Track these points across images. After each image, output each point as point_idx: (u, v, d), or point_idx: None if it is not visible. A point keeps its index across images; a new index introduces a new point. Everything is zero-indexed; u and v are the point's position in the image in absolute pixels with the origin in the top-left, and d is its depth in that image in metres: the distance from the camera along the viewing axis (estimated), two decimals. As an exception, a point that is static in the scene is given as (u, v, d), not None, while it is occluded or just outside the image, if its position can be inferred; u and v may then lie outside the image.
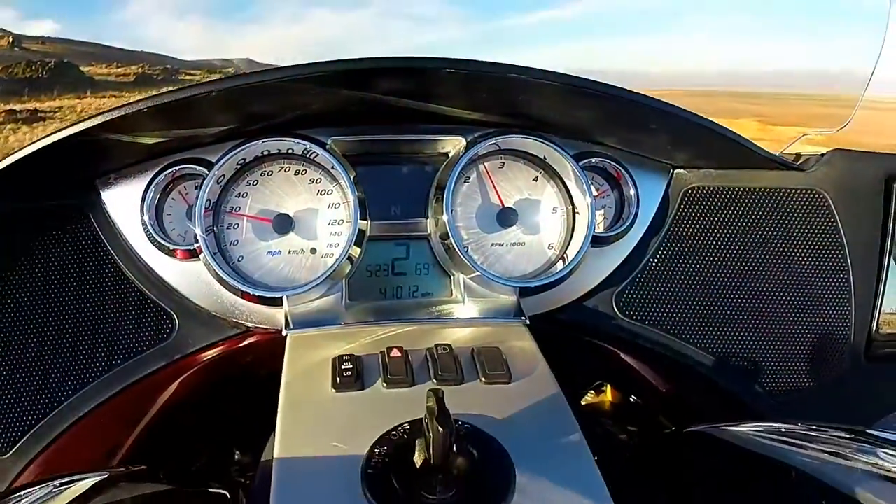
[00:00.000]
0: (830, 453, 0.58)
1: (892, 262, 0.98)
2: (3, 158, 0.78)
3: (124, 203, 0.83)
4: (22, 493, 0.53)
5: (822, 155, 0.95)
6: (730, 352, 0.90)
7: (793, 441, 0.61)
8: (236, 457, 0.94)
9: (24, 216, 0.81)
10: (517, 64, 0.73)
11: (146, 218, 0.82)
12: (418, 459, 0.52)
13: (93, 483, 0.57)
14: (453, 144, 0.85)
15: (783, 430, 0.63)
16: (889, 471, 0.53)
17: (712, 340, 0.91)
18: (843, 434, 0.60)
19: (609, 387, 1.05)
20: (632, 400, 1.01)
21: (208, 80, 0.74)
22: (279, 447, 0.56)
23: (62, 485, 0.55)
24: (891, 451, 0.56)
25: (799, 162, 0.95)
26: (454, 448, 0.51)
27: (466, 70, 0.72)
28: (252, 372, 0.87)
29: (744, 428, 0.66)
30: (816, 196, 0.93)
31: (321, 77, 0.71)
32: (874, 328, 0.96)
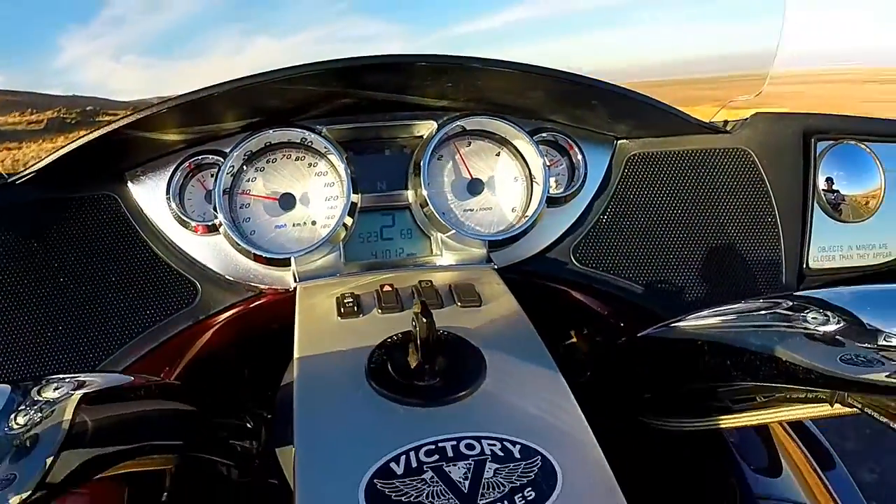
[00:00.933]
0: (763, 320, 0.73)
1: (815, 205, 1.18)
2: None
3: (150, 190, 1.02)
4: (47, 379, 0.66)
5: (746, 119, 1.16)
6: (673, 289, 1.10)
7: (730, 320, 0.77)
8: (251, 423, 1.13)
9: (64, 204, 0.99)
10: (476, 56, 0.94)
11: (173, 204, 1.01)
12: (410, 356, 0.71)
13: (124, 383, 0.73)
14: (427, 128, 1.05)
15: (725, 310, 0.79)
16: (807, 328, 0.67)
17: (657, 280, 1.10)
18: (774, 301, 0.74)
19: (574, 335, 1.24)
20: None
21: (220, 82, 0.94)
22: (297, 362, 0.75)
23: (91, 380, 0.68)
24: (810, 310, 0.69)
25: (727, 126, 1.16)
26: (438, 347, 0.71)
27: (433, 62, 0.93)
28: (265, 327, 1.07)
29: (687, 322, 0.82)
30: (742, 154, 1.14)
31: (313, 75, 0.91)
32: (804, 264, 1.16)
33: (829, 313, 0.68)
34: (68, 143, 0.96)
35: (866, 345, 0.63)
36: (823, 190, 1.18)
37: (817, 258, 1.18)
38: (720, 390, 0.78)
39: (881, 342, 0.63)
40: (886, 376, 0.61)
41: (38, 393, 0.62)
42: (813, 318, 0.68)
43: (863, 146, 1.20)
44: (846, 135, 1.20)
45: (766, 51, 1.18)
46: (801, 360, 0.66)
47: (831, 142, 1.19)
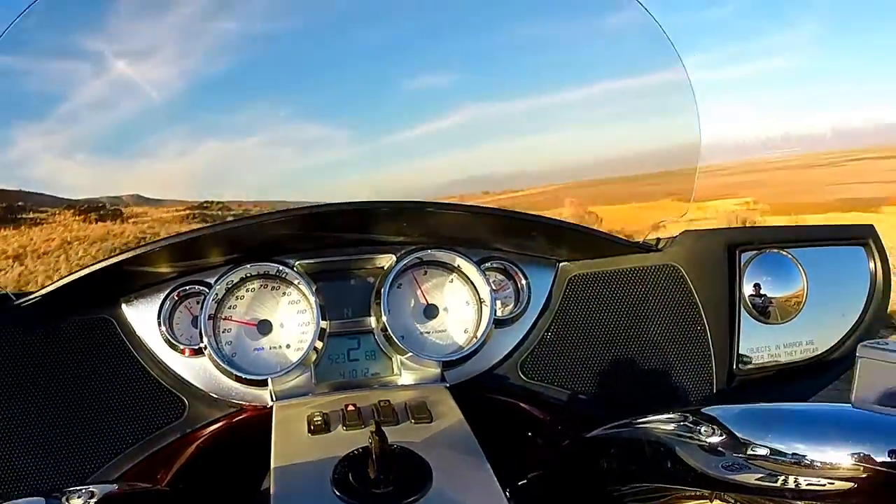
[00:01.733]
0: (671, 431, 0.89)
1: (742, 311, 1.35)
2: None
3: (143, 315, 1.20)
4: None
5: (675, 237, 1.35)
6: (614, 396, 1.27)
7: (648, 429, 0.93)
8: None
9: (65, 326, 1.16)
10: (427, 200, 1.14)
11: (163, 328, 1.19)
12: (369, 468, 0.88)
13: (113, 491, 0.88)
14: (387, 260, 1.24)
15: (646, 420, 0.95)
16: (700, 440, 0.84)
17: (599, 389, 1.27)
18: (683, 414, 0.91)
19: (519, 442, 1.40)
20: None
21: (206, 225, 1.14)
22: (274, 472, 0.91)
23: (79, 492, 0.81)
24: (703, 425, 0.86)
25: (659, 244, 1.35)
26: (392, 459, 0.88)
27: (392, 207, 1.13)
28: (247, 439, 1.22)
29: (618, 429, 0.98)
30: (672, 269, 1.32)
31: (288, 220, 1.12)
32: (734, 366, 1.33)
33: (715, 428, 0.86)
34: (71, 273, 1.15)
35: (738, 454, 0.81)
36: (751, 295, 1.36)
37: (747, 359, 1.35)
38: (632, 488, 0.95)
39: (749, 452, 0.80)
40: (756, 479, 0.79)
41: (67, 502, 0.78)
42: (705, 431, 0.86)
43: (784, 253, 1.39)
44: (768, 244, 1.39)
45: (691, 145, 1.39)
46: (693, 465, 0.84)
47: (755, 251, 1.38)
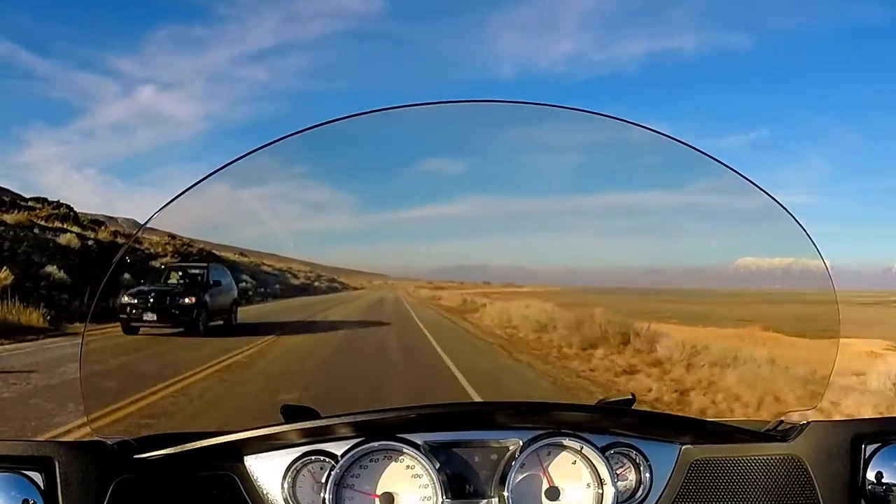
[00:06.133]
0: None
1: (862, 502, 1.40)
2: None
3: (266, 475, 1.28)
4: None
5: (802, 426, 1.40)
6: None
7: None
8: None
9: (188, 480, 1.26)
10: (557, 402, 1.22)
11: (286, 491, 1.27)
12: None
13: None
14: (514, 443, 1.30)
15: None
16: None
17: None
18: None
19: None
20: None
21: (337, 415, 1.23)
22: None
23: None
24: None
25: (782, 432, 1.40)
26: None
27: (520, 410, 1.21)
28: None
29: None
30: (796, 461, 1.36)
31: (423, 415, 1.20)
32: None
33: None
34: (199, 438, 1.25)
35: None
36: (872, 483, 1.39)
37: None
38: None
39: None
40: None
41: None
42: None
43: (911, 445, 1.42)
44: (894, 435, 1.42)
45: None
46: None
47: (879, 444, 1.41)
